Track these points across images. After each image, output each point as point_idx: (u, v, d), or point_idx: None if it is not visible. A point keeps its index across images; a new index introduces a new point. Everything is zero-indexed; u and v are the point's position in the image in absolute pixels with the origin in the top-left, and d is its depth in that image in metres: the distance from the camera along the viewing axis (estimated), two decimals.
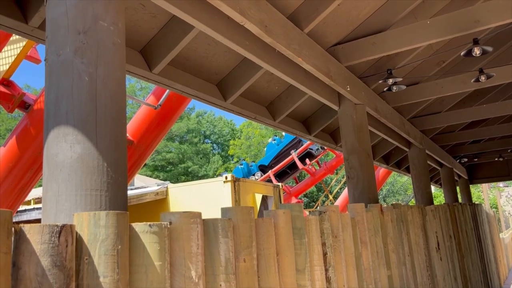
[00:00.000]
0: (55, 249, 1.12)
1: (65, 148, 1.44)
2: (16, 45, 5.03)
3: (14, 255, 1.07)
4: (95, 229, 1.25)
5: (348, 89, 4.00)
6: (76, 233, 1.24)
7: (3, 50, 5.08)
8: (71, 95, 1.47)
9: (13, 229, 1.08)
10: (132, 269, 1.34)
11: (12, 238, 1.07)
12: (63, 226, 1.15)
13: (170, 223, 1.49)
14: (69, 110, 1.47)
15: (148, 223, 1.40)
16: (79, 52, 1.50)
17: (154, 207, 8.98)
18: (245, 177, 17.29)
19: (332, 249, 2.59)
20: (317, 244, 2.44)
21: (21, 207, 8.91)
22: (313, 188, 28.71)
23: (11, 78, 5.22)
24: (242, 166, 18.18)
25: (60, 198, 1.41)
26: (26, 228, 1.10)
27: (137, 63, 2.92)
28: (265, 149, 20.08)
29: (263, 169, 17.68)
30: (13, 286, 1.05)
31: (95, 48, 1.53)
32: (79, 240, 1.24)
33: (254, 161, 20.20)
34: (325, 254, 2.53)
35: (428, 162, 7.68)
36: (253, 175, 17.63)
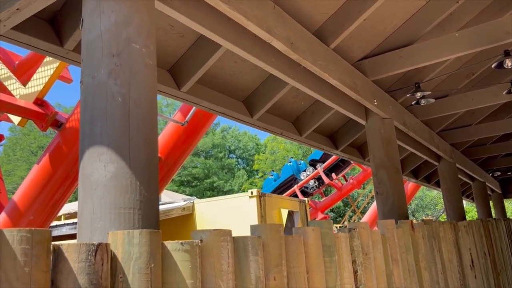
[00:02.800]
0: (92, 267, 1.14)
1: (99, 168, 1.48)
2: (49, 66, 5.23)
3: (53, 273, 1.10)
4: (129, 247, 1.27)
5: (375, 103, 3.96)
6: (111, 251, 1.26)
7: (37, 71, 5.29)
8: (105, 116, 1.52)
9: (51, 247, 1.11)
10: (165, 287, 1.35)
11: (51, 257, 1.10)
12: (99, 244, 1.17)
13: (201, 241, 1.50)
14: (103, 131, 1.51)
15: (180, 241, 1.42)
16: (113, 74, 1.55)
17: (181, 222, 9.03)
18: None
19: (362, 267, 2.54)
20: (347, 262, 2.41)
21: (52, 223, 9.12)
22: (339, 203, 28.33)
23: (44, 98, 5.41)
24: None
25: (95, 216, 1.44)
26: (64, 247, 1.13)
27: (166, 82, 2.98)
28: (263, 184, 19.81)
29: None
30: None
31: (128, 70, 1.57)
32: (113, 259, 1.26)
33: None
34: (355, 272, 2.49)
35: (459, 176, 7.48)
36: None
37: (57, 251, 1.12)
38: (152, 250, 1.30)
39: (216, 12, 2.35)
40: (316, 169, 16.61)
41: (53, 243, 1.11)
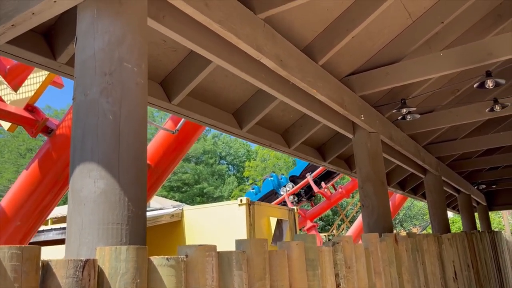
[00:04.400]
0: (79, 283, 1.19)
1: (89, 183, 1.53)
2: (41, 73, 5.24)
3: None
4: (116, 263, 1.32)
5: (362, 118, 4.05)
6: (98, 266, 1.31)
7: (29, 77, 5.30)
8: (96, 133, 1.57)
9: (40, 264, 1.15)
10: None
11: (40, 272, 1.15)
12: (87, 261, 1.22)
13: (186, 256, 1.55)
14: (94, 147, 1.56)
15: (166, 256, 1.46)
16: (105, 92, 1.60)
17: (169, 229, 9.03)
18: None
19: (345, 280, 2.60)
20: (330, 275, 2.46)
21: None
22: (328, 211, 28.43)
23: (35, 104, 5.42)
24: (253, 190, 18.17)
25: (84, 231, 1.49)
26: (52, 262, 1.17)
27: (157, 95, 3.03)
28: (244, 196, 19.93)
29: None
30: None
31: (120, 88, 1.63)
32: (100, 274, 1.30)
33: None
34: (338, 286, 2.55)
35: (445, 188, 7.60)
36: None
37: (46, 267, 1.17)
38: (138, 265, 1.35)
39: (207, 29, 2.42)
40: (295, 185, 16.88)
41: (41, 257, 1.16)
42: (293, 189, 16.66)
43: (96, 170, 1.54)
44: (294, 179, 17.20)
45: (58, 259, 1.19)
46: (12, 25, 1.81)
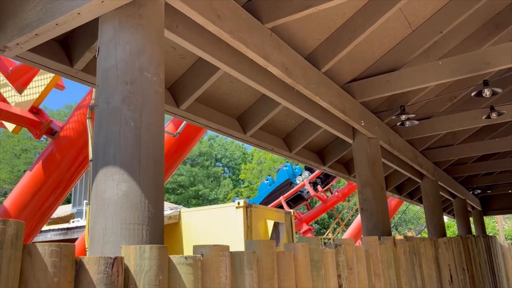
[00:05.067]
0: (109, 278, 1.28)
1: (112, 186, 1.62)
2: (46, 75, 5.33)
3: (75, 283, 1.23)
4: (140, 261, 1.41)
5: (363, 124, 4.16)
6: (124, 264, 1.40)
7: (34, 79, 5.38)
8: (119, 139, 1.66)
9: (74, 260, 1.24)
10: None
11: (74, 268, 1.24)
12: (116, 258, 1.31)
13: (202, 255, 1.65)
14: (117, 153, 1.65)
15: (184, 255, 1.56)
16: (126, 101, 1.70)
17: (167, 231, 9.08)
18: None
19: (347, 281, 2.70)
20: (333, 276, 2.56)
21: None
22: (324, 215, 28.54)
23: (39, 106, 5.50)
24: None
25: (107, 231, 1.58)
26: (85, 259, 1.26)
27: (166, 100, 3.13)
28: (258, 188, 19.86)
29: None
30: None
31: (140, 96, 1.72)
32: (126, 271, 1.39)
33: (249, 198, 19.85)
34: (340, 286, 2.64)
35: (441, 193, 7.73)
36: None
37: (79, 263, 1.26)
38: (160, 263, 1.44)
39: (216, 38, 2.52)
40: (312, 173, 16.73)
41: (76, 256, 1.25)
42: (312, 175, 16.50)
43: (119, 173, 1.64)
44: (310, 168, 17.10)
45: (90, 256, 1.28)
46: (36, 35, 1.91)
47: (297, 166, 18.27)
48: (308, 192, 16.50)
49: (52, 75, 5.28)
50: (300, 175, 17.20)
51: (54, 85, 5.39)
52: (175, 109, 3.18)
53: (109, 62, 1.75)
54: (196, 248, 1.67)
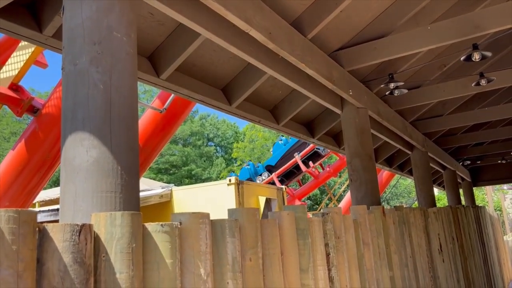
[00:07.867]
0: (76, 246, 1.20)
1: (81, 152, 1.53)
2: (25, 51, 5.14)
3: (39, 252, 1.15)
4: (111, 228, 1.33)
5: (351, 93, 4.08)
6: (94, 232, 1.32)
7: (12, 55, 5.19)
8: (87, 103, 1.56)
9: (37, 228, 1.16)
10: (145, 266, 1.42)
11: (37, 236, 1.16)
12: (83, 225, 1.23)
13: (180, 223, 1.57)
14: (85, 117, 1.55)
15: (160, 223, 1.48)
16: (95, 62, 1.59)
17: (159, 209, 9.06)
18: (251, 177, 17.44)
19: (334, 250, 2.66)
20: (320, 245, 2.52)
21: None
22: (316, 191, 28.75)
23: (19, 83, 5.33)
24: (248, 167, 18.34)
25: (77, 199, 1.49)
26: (49, 227, 1.18)
27: (145, 69, 3.01)
28: (272, 149, 20.16)
29: (270, 169, 17.73)
30: (38, 280, 1.14)
31: (109, 58, 1.61)
32: (96, 239, 1.32)
33: (260, 162, 20.26)
34: (328, 255, 2.60)
35: (431, 164, 7.73)
36: (260, 175, 17.74)
37: (43, 231, 1.18)
38: (133, 231, 1.36)
39: (195, 1, 2.40)
40: (270, 174, 17.32)
41: (38, 223, 1.17)
42: (268, 178, 17.18)
43: (88, 139, 1.54)
44: (270, 169, 17.73)
45: (54, 223, 1.20)
46: None
47: (260, 165, 18.75)
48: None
49: (31, 50, 5.10)
50: (260, 175, 17.69)
51: (33, 61, 5.21)
52: (156, 78, 3.06)
53: (74, 21, 1.63)
54: (174, 216, 1.60)
